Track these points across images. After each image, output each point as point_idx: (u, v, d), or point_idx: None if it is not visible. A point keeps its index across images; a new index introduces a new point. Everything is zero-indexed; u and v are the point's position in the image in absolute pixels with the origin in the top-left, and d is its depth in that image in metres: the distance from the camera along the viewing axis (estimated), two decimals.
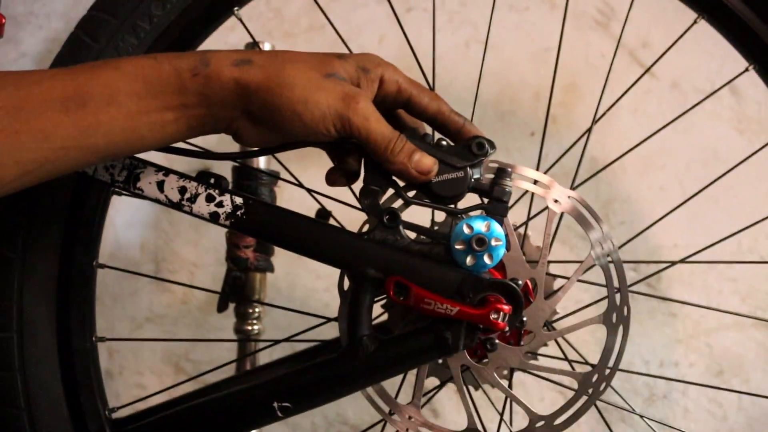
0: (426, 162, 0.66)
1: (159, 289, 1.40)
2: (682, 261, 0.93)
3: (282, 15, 1.36)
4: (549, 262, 0.77)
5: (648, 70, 0.93)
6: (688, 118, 1.26)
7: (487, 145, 0.69)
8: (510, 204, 0.71)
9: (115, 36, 0.74)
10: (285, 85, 0.61)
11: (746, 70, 0.81)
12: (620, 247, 0.85)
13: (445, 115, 0.70)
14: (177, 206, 0.70)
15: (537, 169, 0.74)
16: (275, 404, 0.67)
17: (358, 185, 0.71)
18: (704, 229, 1.24)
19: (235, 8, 0.82)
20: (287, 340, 0.90)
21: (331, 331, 0.85)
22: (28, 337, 0.73)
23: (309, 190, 0.82)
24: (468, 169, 0.68)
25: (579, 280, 0.76)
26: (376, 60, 0.67)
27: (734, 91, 1.24)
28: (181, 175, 0.70)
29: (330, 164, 0.73)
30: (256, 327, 0.97)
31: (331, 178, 0.71)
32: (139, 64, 0.60)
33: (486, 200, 0.70)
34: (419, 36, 1.17)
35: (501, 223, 0.69)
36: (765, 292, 1.24)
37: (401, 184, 0.70)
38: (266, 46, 1.02)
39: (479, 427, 0.74)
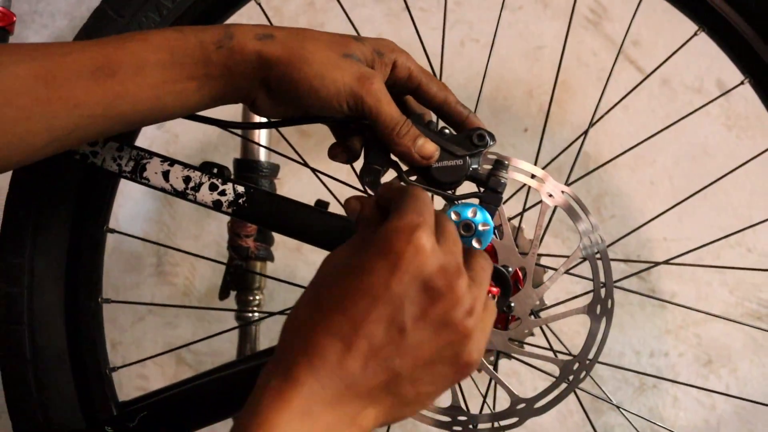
0: (428, 147, 0.69)
1: (160, 281, 1.43)
2: (666, 262, 0.96)
3: (282, 13, 1.39)
4: (540, 255, 0.81)
5: (648, 76, 0.96)
6: (677, 115, 1.30)
7: (487, 137, 0.72)
8: (505, 195, 0.74)
9: (138, 12, 0.77)
10: (304, 61, 0.63)
11: (741, 83, 0.84)
12: (611, 244, 0.88)
13: (450, 105, 0.73)
14: (182, 195, 0.73)
15: (535, 164, 0.77)
16: None
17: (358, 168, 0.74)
18: (693, 223, 1.28)
19: None
20: (282, 312, 0.94)
21: None
22: (37, 293, 0.77)
23: (313, 170, 0.85)
24: (467, 158, 0.72)
25: (568, 273, 0.80)
26: (390, 45, 0.70)
27: (723, 88, 1.28)
28: (186, 165, 0.73)
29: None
30: (256, 315, 1.01)
31: (333, 152, 0.73)
32: (166, 36, 0.63)
33: (482, 189, 0.74)
34: (416, 34, 1.18)
35: (493, 212, 0.72)
36: (751, 283, 1.27)
37: (404, 167, 0.73)
38: None
39: (462, 404, 0.77)
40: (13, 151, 0.60)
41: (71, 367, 0.78)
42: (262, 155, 1.00)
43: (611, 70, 0.93)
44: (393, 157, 0.72)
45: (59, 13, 1.46)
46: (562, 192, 0.78)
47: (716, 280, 1.28)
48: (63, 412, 0.77)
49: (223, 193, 0.72)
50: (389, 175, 0.74)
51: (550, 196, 0.77)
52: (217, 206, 0.72)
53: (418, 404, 0.54)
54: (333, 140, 0.76)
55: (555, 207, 0.78)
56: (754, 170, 0.92)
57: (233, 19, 0.87)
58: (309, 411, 0.49)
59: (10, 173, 0.79)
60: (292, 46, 0.64)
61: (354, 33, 0.94)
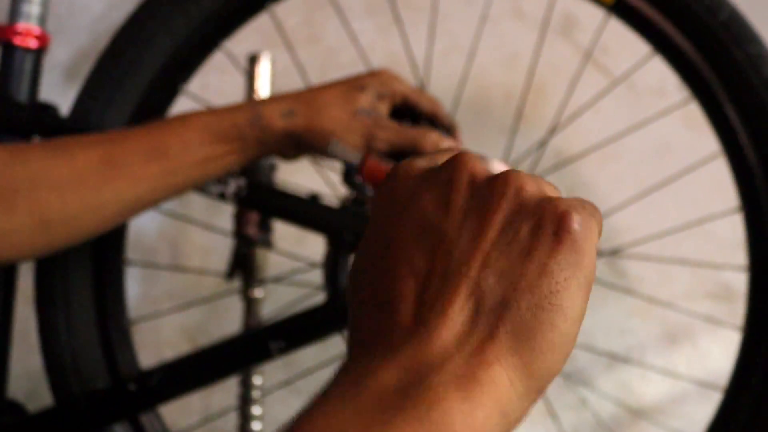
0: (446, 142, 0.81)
1: (175, 270, 1.57)
2: (613, 254, 1.09)
3: (282, 27, 1.52)
4: None
5: (614, 87, 1.08)
6: (642, 116, 1.42)
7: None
8: None
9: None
10: (324, 130, 0.78)
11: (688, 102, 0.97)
12: None
13: (439, 118, 0.86)
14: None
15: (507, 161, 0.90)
16: (270, 343, 0.84)
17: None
18: (656, 213, 1.40)
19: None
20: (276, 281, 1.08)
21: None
22: (71, 252, 0.86)
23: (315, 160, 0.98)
24: None
25: None
26: (387, 81, 0.82)
27: (683, 90, 1.40)
28: None
29: None
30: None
31: None
32: (203, 120, 0.76)
33: None
34: (404, 46, 1.31)
35: None
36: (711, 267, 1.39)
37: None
38: (265, 56, 1.18)
39: None
40: (88, 221, 0.73)
41: (95, 312, 0.87)
42: None
43: (578, 78, 1.06)
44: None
45: (82, 29, 1.60)
46: None
47: (678, 264, 1.40)
48: (90, 364, 0.87)
49: (227, 184, 0.85)
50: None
51: None
52: (222, 197, 0.86)
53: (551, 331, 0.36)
54: None
55: None
56: (712, 165, 1.04)
57: (251, 25, 1.00)
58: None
59: None
60: (311, 118, 0.78)
61: (347, 44, 1.05)
